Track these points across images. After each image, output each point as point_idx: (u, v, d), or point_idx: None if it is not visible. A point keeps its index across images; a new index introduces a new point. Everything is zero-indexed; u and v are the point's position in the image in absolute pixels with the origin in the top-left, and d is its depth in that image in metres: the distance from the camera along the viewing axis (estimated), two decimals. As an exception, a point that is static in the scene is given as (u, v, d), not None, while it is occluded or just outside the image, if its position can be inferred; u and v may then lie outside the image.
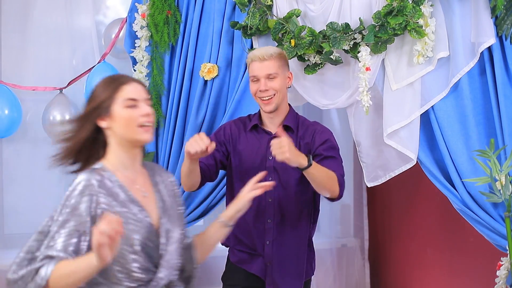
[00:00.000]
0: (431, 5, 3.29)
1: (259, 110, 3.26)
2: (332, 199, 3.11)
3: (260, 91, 3.13)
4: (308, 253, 3.26)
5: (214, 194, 3.76)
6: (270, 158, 3.13)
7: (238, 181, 3.18)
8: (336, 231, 4.74)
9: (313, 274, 3.32)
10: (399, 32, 3.28)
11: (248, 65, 3.19)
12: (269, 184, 2.70)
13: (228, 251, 3.38)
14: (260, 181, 2.92)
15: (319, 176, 2.95)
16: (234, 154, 3.23)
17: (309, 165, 2.89)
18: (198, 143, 2.83)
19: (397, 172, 3.52)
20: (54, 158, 2.48)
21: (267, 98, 3.13)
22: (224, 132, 3.26)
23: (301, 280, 3.24)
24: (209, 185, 3.73)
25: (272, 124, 3.21)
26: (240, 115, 3.66)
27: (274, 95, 3.12)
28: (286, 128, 3.18)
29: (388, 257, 4.62)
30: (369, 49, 3.35)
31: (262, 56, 3.12)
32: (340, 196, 3.08)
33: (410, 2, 3.25)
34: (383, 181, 3.58)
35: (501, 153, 3.28)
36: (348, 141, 4.45)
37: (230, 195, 3.18)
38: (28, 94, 4.05)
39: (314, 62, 3.48)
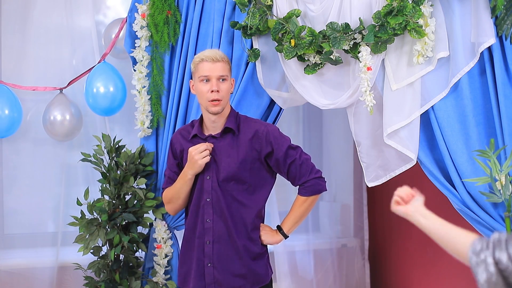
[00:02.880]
0: (431, 5, 3.29)
1: (201, 116, 3.28)
2: None
3: (212, 91, 3.13)
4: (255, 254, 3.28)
5: (214, 194, 3.76)
6: (209, 156, 3.21)
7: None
8: (336, 231, 4.74)
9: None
10: (399, 32, 3.28)
11: (195, 65, 3.17)
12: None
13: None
14: (200, 180, 3.22)
15: (304, 215, 3.34)
16: (183, 162, 3.30)
17: (287, 236, 3.34)
18: (205, 153, 3.13)
19: (397, 172, 3.52)
20: None
21: (217, 99, 3.14)
22: (172, 149, 3.34)
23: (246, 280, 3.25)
24: (209, 185, 3.74)
25: (215, 128, 3.24)
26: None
27: (222, 99, 3.15)
28: (227, 130, 3.22)
29: (388, 257, 4.62)
30: (369, 49, 3.34)
31: (215, 57, 3.15)
32: (324, 187, 3.32)
33: (410, 2, 3.25)
34: (384, 181, 3.58)
35: (501, 153, 3.28)
36: (348, 141, 4.45)
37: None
38: (28, 94, 4.05)
39: (314, 62, 3.48)
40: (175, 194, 3.28)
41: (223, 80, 3.15)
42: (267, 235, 3.30)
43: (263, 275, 3.24)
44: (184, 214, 3.83)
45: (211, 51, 3.18)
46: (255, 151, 3.21)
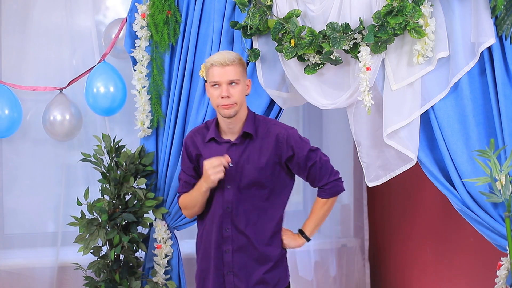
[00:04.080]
0: (431, 5, 3.29)
1: (216, 118, 3.25)
2: None
3: (222, 97, 3.10)
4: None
5: (214, 194, 3.76)
6: (230, 165, 3.16)
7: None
8: (336, 231, 4.74)
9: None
10: (399, 32, 3.28)
11: (206, 70, 3.16)
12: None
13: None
14: (220, 188, 3.18)
15: (324, 217, 3.36)
16: (200, 166, 3.24)
17: (309, 239, 3.35)
18: (219, 168, 3.09)
19: (397, 172, 3.52)
20: None
21: (227, 104, 3.11)
22: (187, 152, 3.29)
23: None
24: (209, 185, 3.73)
25: (231, 132, 3.21)
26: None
27: (236, 103, 3.12)
28: (246, 135, 3.19)
29: (388, 257, 4.62)
30: (369, 49, 3.34)
31: (224, 61, 3.10)
32: (342, 188, 3.37)
33: (410, 2, 3.25)
34: (384, 181, 3.58)
35: (501, 153, 3.28)
36: (348, 141, 4.45)
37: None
38: (28, 94, 4.05)
39: (314, 62, 3.48)
40: (190, 202, 3.27)
41: (234, 84, 3.12)
42: (289, 239, 3.30)
43: (283, 278, 3.26)
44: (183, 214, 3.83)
45: (220, 55, 3.13)
46: (276, 156, 3.19)
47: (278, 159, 3.19)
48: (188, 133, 3.35)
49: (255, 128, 3.20)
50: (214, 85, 3.12)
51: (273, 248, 3.23)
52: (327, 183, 3.28)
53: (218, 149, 3.21)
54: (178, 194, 3.42)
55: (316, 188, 3.36)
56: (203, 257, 3.28)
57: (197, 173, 3.28)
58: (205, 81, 3.24)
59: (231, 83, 3.11)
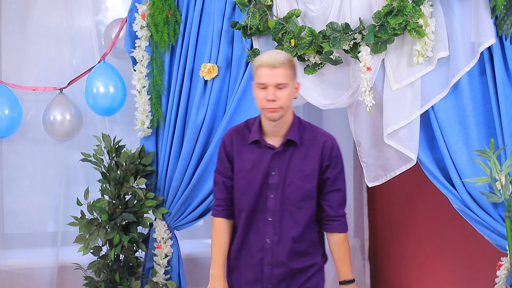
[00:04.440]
0: (431, 5, 3.29)
1: (259, 118, 3.08)
2: None
3: (267, 100, 2.94)
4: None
5: (214, 194, 3.76)
6: (273, 173, 3.01)
7: (237, 196, 3.09)
8: (336, 231, 4.73)
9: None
10: (399, 32, 3.28)
11: (254, 69, 2.97)
12: None
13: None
14: (262, 198, 3.02)
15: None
16: (236, 169, 3.09)
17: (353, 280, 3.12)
18: None
19: (397, 172, 3.52)
20: None
21: (273, 108, 2.95)
22: (226, 151, 3.11)
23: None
24: (209, 186, 3.73)
25: (275, 136, 3.03)
26: (240, 115, 3.66)
27: (282, 107, 2.95)
28: (290, 142, 3.02)
29: (388, 257, 4.62)
30: (369, 49, 3.34)
31: (273, 63, 2.92)
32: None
33: (410, 2, 3.25)
34: (384, 181, 3.58)
35: (501, 153, 3.28)
36: (348, 141, 4.45)
37: (239, 204, 3.11)
38: (28, 94, 4.05)
39: (314, 62, 3.48)
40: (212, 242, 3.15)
41: (281, 88, 2.94)
42: None
43: (321, 285, 3.15)
44: (186, 212, 3.83)
45: (270, 56, 2.96)
46: (319, 164, 3.03)
47: (319, 168, 3.03)
48: (226, 131, 3.16)
49: (300, 134, 3.04)
50: (261, 86, 2.95)
51: (314, 258, 3.09)
52: (343, 215, 3.07)
53: (260, 154, 3.04)
54: (214, 204, 3.17)
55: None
56: (246, 265, 3.10)
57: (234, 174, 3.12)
58: (252, 80, 3.08)
59: (278, 86, 2.94)
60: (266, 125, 3.04)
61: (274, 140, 3.04)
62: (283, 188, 3.01)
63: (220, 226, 3.12)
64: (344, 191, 3.07)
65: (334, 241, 3.10)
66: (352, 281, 3.11)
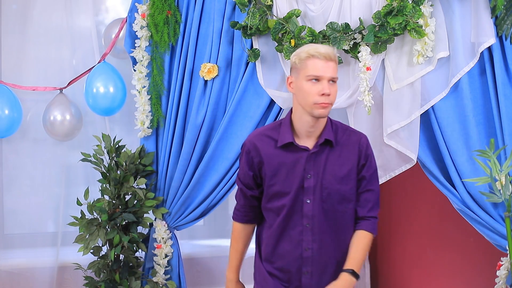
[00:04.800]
0: (431, 5, 3.30)
1: (289, 119, 2.85)
2: None
3: (322, 94, 2.71)
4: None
5: (214, 194, 3.76)
6: (309, 176, 2.82)
7: (270, 202, 2.89)
8: (336, 231, 4.73)
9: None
10: (399, 32, 3.28)
11: (302, 60, 2.75)
12: None
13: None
14: (298, 203, 2.82)
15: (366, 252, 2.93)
16: (267, 176, 2.87)
17: (358, 277, 2.85)
18: None
19: (397, 172, 3.52)
20: None
21: (327, 103, 2.73)
22: (248, 158, 2.89)
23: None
24: (209, 186, 3.74)
25: (309, 138, 2.82)
26: (240, 115, 3.66)
27: (331, 104, 2.77)
28: (325, 143, 2.83)
29: (388, 257, 4.62)
30: (369, 49, 3.35)
31: (328, 55, 2.73)
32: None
33: (410, 2, 3.25)
34: (384, 181, 3.58)
35: (501, 153, 3.28)
36: (348, 141, 4.44)
37: (264, 207, 2.95)
38: (28, 94, 4.04)
39: (314, 62, 3.48)
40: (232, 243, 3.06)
41: (333, 83, 2.76)
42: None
43: None
44: (186, 212, 3.83)
45: (325, 47, 2.76)
46: (356, 164, 2.86)
47: (356, 168, 2.86)
48: (249, 137, 2.94)
49: (334, 134, 2.85)
50: (312, 79, 2.72)
51: None
52: (375, 217, 2.91)
53: (294, 157, 2.84)
54: (236, 207, 3.05)
55: None
56: (282, 274, 2.91)
57: (256, 183, 2.92)
58: (290, 74, 2.85)
59: (333, 79, 2.75)
60: (302, 125, 2.81)
61: (307, 142, 2.84)
62: (320, 191, 2.82)
63: (238, 231, 3.03)
64: (377, 192, 2.91)
65: (355, 235, 2.89)
66: (353, 273, 2.84)
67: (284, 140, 2.83)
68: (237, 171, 3.70)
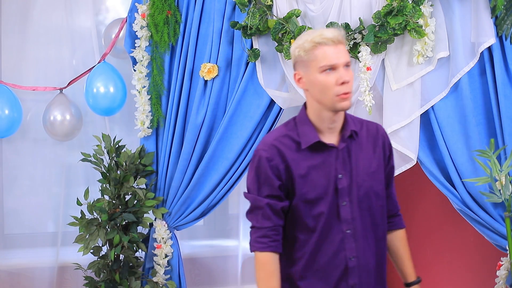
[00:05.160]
0: (431, 5, 3.30)
1: (306, 117, 2.51)
2: None
3: (342, 83, 2.40)
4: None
5: (214, 194, 3.76)
6: (340, 176, 2.48)
7: (303, 214, 2.49)
8: (336, 231, 4.73)
9: None
10: (399, 32, 3.28)
11: (307, 51, 2.41)
12: None
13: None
14: (333, 208, 2.47)
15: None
16: (298, 184, 2.48)
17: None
18: None
19: (397, 172, 3.52)
20: None
21: (348, 92, 2.42)
22: (271, 167, 2.47)
23: None
24: (209, 186, 3.74)
25: (331, 132, 2.50)
26: (240, 115, 3.66)
27: (352, 92, 2.47)
28: (351, 133, 2.52)
29: (388, 257, 4.62)
30: (369, 49, 3.35)
31: (337, 39, 2.40)
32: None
33: (410, 2, 3.25)
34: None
35: (501, 153, 3.28)
36: (348, 141, 4.45)
37: (291, 227, 2.52)
38: (28, 94, 4.04)
39: (314, 62, 3.48)
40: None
41: (347, 66, 2.43)
42: None
43: None
44: (187, 212, 3.83)
45: (330, 30, 2.42)
46: (383, 156, 2.57)
47: (384, 160, 2.58)
48: (265, 141, 2.52)
49: (354, 125, 2.55)
50: (326, 69, 2.39)
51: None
52: (399, 211, 2.69)
53: (322, 157, 2.49)
54: (257, 235, 2.51)
55: None
56: None
57: (284, 191, 2.48)
58: (295, 69, 2.51)
59: (347, 64, 2.43)
60: (323, 122, 2.48)
61: (331, 138, 2.50)
62: (356, 191, 2.49)
63: (270, 264, 2.46)
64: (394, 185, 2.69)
65: (397, 239, 2.68)
66: (420, 280, 2.71)
67: (309, 140, 2.47)
68: (237, 171, 3.72)
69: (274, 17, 3.52)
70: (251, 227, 2.52)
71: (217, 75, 3.69)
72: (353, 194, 2.49)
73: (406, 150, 3.40)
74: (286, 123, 2.56)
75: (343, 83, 2.41)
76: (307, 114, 2.51)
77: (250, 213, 2.52)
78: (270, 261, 2.48)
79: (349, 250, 2.48)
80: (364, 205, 2.50)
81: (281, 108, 3.66)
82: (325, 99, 2.43)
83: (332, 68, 2.41)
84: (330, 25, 3.37)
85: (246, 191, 2.54)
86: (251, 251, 2.51)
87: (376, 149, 2.56)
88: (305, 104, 2.54)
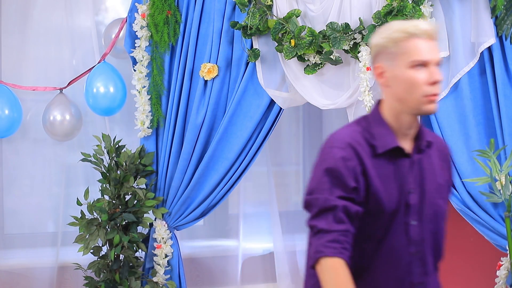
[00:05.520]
0: (431, 5, 3.30)
1: (379, 117, 2.17)
2: None
3: (432, 82, 2.09)
4: None
5: (214, 194, 3.76)
6: (412, 191, 2.15)
7: (367, 227, 2.13)
8: (336, 231, 4.73)
9: None
10: (399, 32, 3.28)
11: (396, 42, 2.10)
12: None
13: None
14: (400, 226, 2.14)
15: None
16: (368, 192, 2.13)
17: None
18: None
19: (397, 172, 3.52)
20: None
21: (437, 93, 2.12)
22: (347, 167, 2.09)
23: None
24: (209, 186, 3.74)
25: (405, 139, 2.17)
26: (240, 115, 3.66)
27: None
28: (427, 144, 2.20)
29: (388, 257, 4.62)
30: (369, 49, 3.35)
31: (433, 34, 2.11)
32: None
33: (410, 2, 3.25)
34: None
35: (501, 153, 3.28)
36: (348, 141, 4.44)
37: (358, 242, 2.13)
38: (28, 94, 4.04)
39: (314, 62, 3.48)
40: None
41: (438, 66, 2.14)
42: None
43: None
44: (187, 212, 3.83)
45: (424, 23, 2.17)
46: (448, 176, 2.27)
47: (448, 178, 2.27)
48: (341, 137, 2.15)
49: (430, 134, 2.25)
50: (417, 65, 2.09)
51: None
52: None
53: (395, 166, 2.15)
54: (327, 238, 2.08)
55: None
56: None
57: (359, 197, 2.11)
58: (374, 62, 2.21)
59: (438, 64, 2.13)
60: (400, 126, 2.16)
61: (404, 146, 2.17)
62: (427, 210, 2.18)
63: (344, 270, 2.04)
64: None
65: None
66: None
67: (387, 144, 2.13)
68: (237, 171, 3.72)
69: (274, 17, 3.52)
70: (317, 231, 2.10)
71: (217, 75, 3.69)
72: (423, 213, 2.17)
73: (406, 150, 3.39)
74: (358, 121, 2.21)
75: (434, 82, 2.09)
76: (382, 114, 2.17)
77: (316, 217, 2.10)
78: (342, 268, 2.04)
79: (416, 275, 2.16)
80: (431, 226, 2.20)
81: (281, 108, 3.66)
82: (410, 98, 2.10)
83: (424, 64, 2.09)
84: (330, 25, 3.37)
85: (308, 194, 2.14)
86: (316, 258, 2.09)
87: (444, 166, 2.25)
88: (379, 103, 2.22)
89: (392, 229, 2.13)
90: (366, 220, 2.12)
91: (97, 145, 3.80)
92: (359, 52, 3.35)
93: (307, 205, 2.14)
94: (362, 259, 2.13)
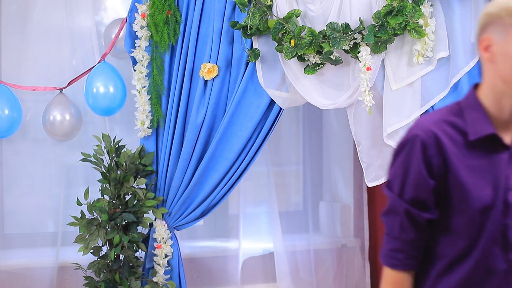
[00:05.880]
0: (431, 5, 3.30)
1: (476, 100, 1.92)
2: None
3: None
4: None
5: (214, 194, 3.76)
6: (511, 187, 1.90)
7: (457, 231, 1.90)
8: (336, 231, 4.73)
9: None
10: (399, 32, 3.28)
11: (504, 18, 1.87)
12: None
13: None
14: (497, 228, 1.89)
15: None
16: (454, 189, 1.89)
17: None
18: None
19: (397, 172, 3.52)
20: None
21: None
22: (424, 158, 1.87)
23: None
24: (209, 186, 3.74)
25: (506, 129, 1.91)
26: (240, 115, 3.66)
27: None
28: None
29: (388, 257, 4.62)
30: (369, 49, 3.35)
31: None
32: None
33: (410, 2, 3.25)
34: (384, 181, 3.58)
35: (501, 153, 3.28)
36: (348, 141, 4.45)
37: (442, 246, 1.92)
38: (28, 94, 4.04)
39: (314, 62, 3.48)
40: None
41: None
42: None
43: None
44: (187, 212, 3.83)
45: None
46: None
47: None
48: (422, 123, 1.94)
49: None
50: None
51: None
52: None
53: (489, 159, 1.90)
54: (391, 246, 1.93)
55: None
56: None
57: (436, 198, 1.90)
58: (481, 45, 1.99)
59: None
60: (502, 111, 1.90)
61: (504, 136, 1.92)
62: None
63: (406, 285, 1.92)
64: None
65: None
66: None
67: (481, 131, 1.88)
68: (237, 171, 3.72)
69: (274, 17, 3.52)
70: (386, 234, 1.96)
71: (217, 75, 3.69)
72: None
73: (406, 150, 3.39)
74: (449, 106, 1.97)
75: None
76: (479, 98, 1.92)
77: (386, 215, 1.95)
78: (403, 282, 1.92)
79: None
80: None
81: (281, 108, 3.67)
82: (501, 85, 1.87)
83: None
84: (330, 25, 3.37)
85: (387, 185, 1.96)
86: (382, 263, 1.97)
87: None
88: (475, 86, 1.97)
89: (485, 231, 1.87)
90: (451, 219, 1.90)
91: (97, 145, 3.80)
92: (359, 52, 3.35)
93: (386, 191, 1.97)
94: (448, 266, 1.91)
